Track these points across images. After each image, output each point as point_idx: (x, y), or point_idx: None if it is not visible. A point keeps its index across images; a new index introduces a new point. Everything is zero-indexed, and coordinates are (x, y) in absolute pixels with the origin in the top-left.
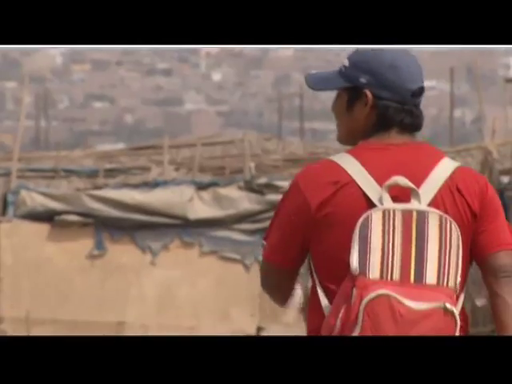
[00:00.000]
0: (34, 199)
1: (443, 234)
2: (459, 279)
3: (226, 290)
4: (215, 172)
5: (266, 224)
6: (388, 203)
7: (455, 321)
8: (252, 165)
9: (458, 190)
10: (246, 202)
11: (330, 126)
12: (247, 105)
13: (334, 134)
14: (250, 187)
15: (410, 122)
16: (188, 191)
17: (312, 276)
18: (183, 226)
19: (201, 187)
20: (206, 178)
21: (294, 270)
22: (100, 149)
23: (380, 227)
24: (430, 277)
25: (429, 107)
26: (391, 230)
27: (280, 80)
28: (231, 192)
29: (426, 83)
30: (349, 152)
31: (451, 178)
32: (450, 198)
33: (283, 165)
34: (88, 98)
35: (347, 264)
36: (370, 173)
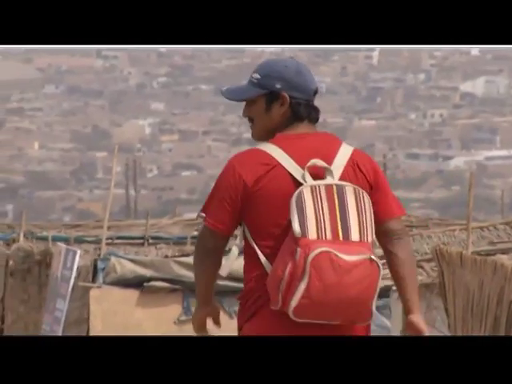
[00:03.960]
0: (124, 266)
1: (358, 201)
2: (373, 236)
3: None
4: None
5: None
6: (311, 180)
7: (379, 268)
8: None
9: (358, 167)
10: None
11: (413, 195)
12: None
13: (417, 203)
14: None
15: (315, 115)
16: None
17: (246, 239)
18: None
19: None
20: None
21: (228, 235)
22: (188, 217)
23: (311, 199)
24: (354, 234)
25: None
26: (319, 200)
27: (364, 150)
28: None
29: None
30: (270, 142)
31: (351, 157)
32: (352, 173)
33: None
34: (176, 167)
35: (277, 228)
36: (291, 157)
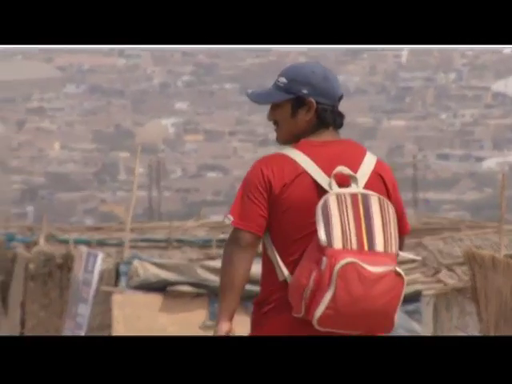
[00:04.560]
0: (147, 269)
1: (383, 211)
2: (398, 247)
3: None
4: None
5: None
6: (337, 188)
7: (403, 280)
8: None
9: (381, 177)
10: None
11: (444, 196)
12: None
13: (448, 205)
14: None
15: (340, 121)
16: None
17: (264, 244)
18: None
19: None
20: None
21: (260, 235)
22: (213, 219)
23: (336, 208)
24: (379, 245)
25: None
26: (345, 209)
27: (393, 150)
28: None
29: None
30: (295, 147)
31: (375, 167)
32: (376, 183)
33: None
34: (201, 169)
35: (300, 235)
36: (317, 164)
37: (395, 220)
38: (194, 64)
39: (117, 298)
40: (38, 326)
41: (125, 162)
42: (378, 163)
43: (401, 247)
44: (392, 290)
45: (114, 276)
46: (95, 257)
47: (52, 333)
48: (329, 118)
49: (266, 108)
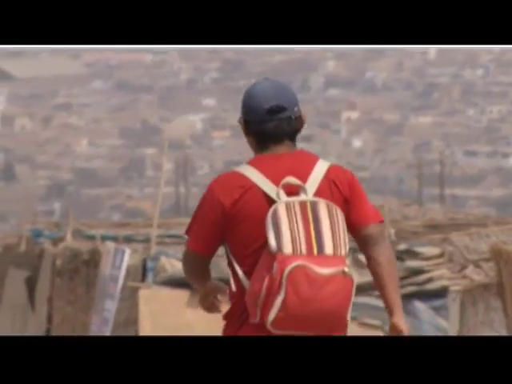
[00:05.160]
0: (174, 265)
1: (331, 216)
2: (347, 250)
3: None
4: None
5: (406, 290)
6: (284, 198)
7: (352, 281)
8: (392, 231)
9: (333, 182)
10: None
11: (471, 192)
12: (387, 171)
13: (474, 201)
14: None
15: (279, 131)
16: None
17: (228, 257)
18: None
19: None
20: None
21: (209, 256)
22: None
23: (285, 215)
24: (328, 249)
25: None
26: (294, 217)
27: (420, 146)
28: None
29: None
30: (248, 163)
31: (326, 174)
32: (327, 188)
33: (423, 231)
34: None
35: (255, 246)
36: (267, 176)
37: (344, 224)
38: (221, 60)
39: (143, 294)
40: (65, 322)
41: (152, 158)
42: (331, 169)
43: (375, 239)
44: (341, 291)
45: (141, 272)
46: (122, 253)
47: (78, 328)
48: (263, 129)
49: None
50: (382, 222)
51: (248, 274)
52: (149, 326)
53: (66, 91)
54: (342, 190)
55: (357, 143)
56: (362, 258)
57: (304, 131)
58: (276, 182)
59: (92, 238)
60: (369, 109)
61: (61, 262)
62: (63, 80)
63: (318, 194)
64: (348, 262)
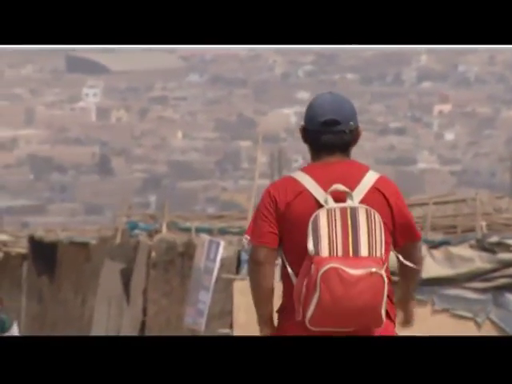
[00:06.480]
0: None
1: (369, 220)
2: (383, 251)
3: None
4: (447, 231)
5: (498, 282)
6: (331, 203)
7: (383, 280)
8: (484, 223)
9: (379, 191)
10: (477, 260)
11: None
12: (479, 164)
13: None
14: (481, 246)
15: (331, 143)
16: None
17: (282, 261)
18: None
19: (433, 246)
20: (438, 236)
21: (275, 248)
22: None
23: (325, 221)
24: (363, 250)
25: None
26: (333, 222)
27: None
28: (463, 251)
29: None
30: (301, 169)
31: (374, 184)
32: (374, 196)
33: None
34: None
35: (303, 246)
36: (318, 182)
37: (381, 227)
38: (315, 54)
39: (238, 286)
40: (160, 314)
41: (247, 150)
42: (379, 179)
43: (411, 253)
44: (371, 289)
45: (236, 264)
46: (217, 245)
47: (173, 320)
48: (316, 141)
49: (388, 98)
50: (420, 238)
51: (296, 271)
52: (243, 317)
53: (161, 84)
54: (387, 198)
55: (449, 136)
56: (453, 250)
57: (396, 124)
58: (326, 187)
59: (187, 230)
60: (461, 102)
61: (156, 254)
62: (159, 73)
63: (363, 201)
64: (383, 262)
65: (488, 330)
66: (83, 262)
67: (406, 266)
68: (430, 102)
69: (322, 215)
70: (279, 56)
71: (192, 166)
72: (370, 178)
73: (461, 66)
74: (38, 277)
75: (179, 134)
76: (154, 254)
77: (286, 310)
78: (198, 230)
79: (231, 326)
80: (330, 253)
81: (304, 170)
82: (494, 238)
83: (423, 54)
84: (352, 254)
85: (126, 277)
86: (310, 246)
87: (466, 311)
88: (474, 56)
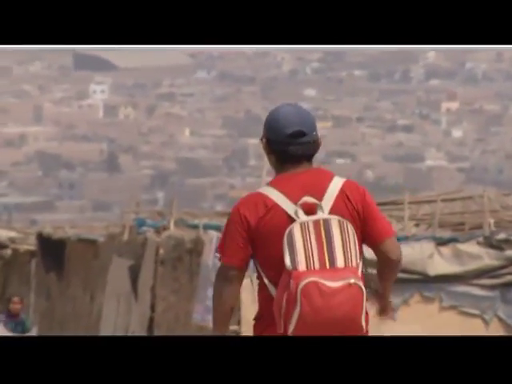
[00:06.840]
0: None
1: (342, 231)
2: (358, 260)
3: None
4: (455, 228)
5: (505, 279)
6: (303, 217)
7: (361, 290)
8: (491, 221)
9: (347, 197)
10: (485, 257)
11: None
12: (487, 161)
13: None
14: (489, 243)
15: (299, 154)
16: (428, 247)
17: (258, 273)
18: (423, 282)
19: (440, 243)
20: (446, 233)
21: (243, 268)
22: None
23: (300, 235)
24: (340, 261)
25: None
26: (307, 235)
27: None
28: (471, 248)
29: None
30: (269, 183)
31: (341, 190)
32: (342, 204)
33: None
34: (330, 155)
35: (278, 260)
36: (286, 196)
37: (355, 237)
38: (323, 51)
39: (245, 283)
40: (168, 310)
41: (254, 147)
42: (345, 184)
43: (389, 249)
44: (350, 300)
45: None
46: None
47: (182, 317)
48: (285, 151)
49: (396, 95)
50: (394, 233)
51: (273, 282)
52: (250, 314)
53: (169, 81)
54: (354, 205)
55: (457, 133)
56: (461, 247)
57: (404, 121)
58: (295, 199)
59: (195, 227)
60: (469, 99)
61: (164, 250)
62: (166, 70)
63: (333, 208)
64: (359, 271)
65: (495, 327)
66: (91, 259)
67: (385, 261)
68: (437, 99)
69: (296, 229)
70: (287, 53)
71: (200, 162)
72: (336, 184)
73: (468, 64)
74: (47, 274)
75: (187, 131)
76: (161, 250)
77: (263, 317)
78: (206, 227)
79: (239, 323)
80: (307, 266)
81: (272, 183)
82: (502, 235)
83: (431, 51)
84: (329, 265)
85: (134, 274)
86: (287, 260)
87: (473, 308)
88: (482, 53)
